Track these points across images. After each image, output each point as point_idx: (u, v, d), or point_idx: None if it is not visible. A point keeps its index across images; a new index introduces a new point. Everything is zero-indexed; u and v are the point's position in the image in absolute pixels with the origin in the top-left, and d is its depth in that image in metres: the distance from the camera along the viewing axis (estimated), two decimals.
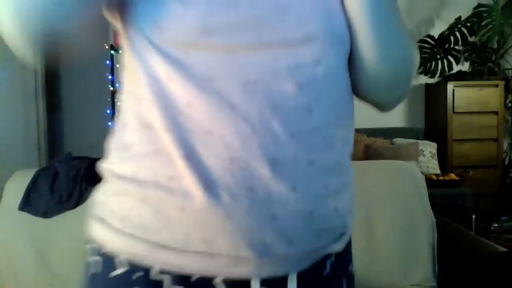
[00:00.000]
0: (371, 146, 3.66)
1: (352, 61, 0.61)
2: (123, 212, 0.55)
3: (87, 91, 3.74)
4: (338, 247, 0.60)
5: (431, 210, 1.65)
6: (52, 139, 4.42)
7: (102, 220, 0.57)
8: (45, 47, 0.51)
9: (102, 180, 0.60)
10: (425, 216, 1.62)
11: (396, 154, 3.46)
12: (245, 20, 0.52)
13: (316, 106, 0.54)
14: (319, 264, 0.59)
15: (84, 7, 0.49)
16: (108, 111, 3.42)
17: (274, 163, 0.51)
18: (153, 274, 0.54)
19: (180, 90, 0.51)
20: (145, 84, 0.53)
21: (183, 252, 0.52)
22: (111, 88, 3.35)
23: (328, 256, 0.60)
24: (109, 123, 3.36)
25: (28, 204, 1.57)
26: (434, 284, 1.57)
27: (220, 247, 0.51)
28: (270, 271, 0.54)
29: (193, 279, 0.54)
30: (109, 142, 0.60)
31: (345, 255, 0.64)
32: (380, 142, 3.74)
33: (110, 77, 3.35)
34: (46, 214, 1.56)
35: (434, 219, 1.64)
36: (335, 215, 0.58)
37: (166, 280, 0.54)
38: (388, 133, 3.89)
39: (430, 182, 3.04)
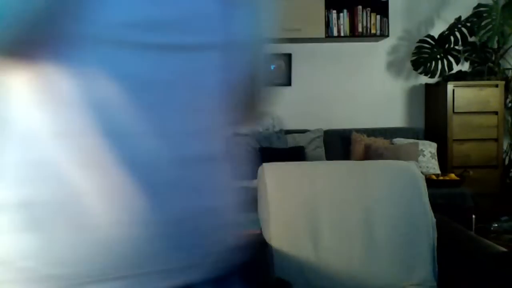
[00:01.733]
0: (371, 146, 3.66)
1: None
2: None
3: None
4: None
5: (431, 210, 1.65)
6: None
7: None
8: None
9: None
10: (425, 216, 1.62)
11: (396, 154, 3.46)
12: None
13: None
14: None
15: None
16: None
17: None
18: None
19: None
20: None
21: None
22: None
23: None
24: None
25: None
26: (434, 284, 1.57)
27: None
28: None
29: None
30: None
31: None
32: (380, 142, 3.74)
33: None
34: None
35: (434, 219, 1.64)
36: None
37: None
38: (388, 133, 3.90)
39: (430, 182, 3.04)
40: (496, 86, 3.66)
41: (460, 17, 3.82)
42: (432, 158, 3.64)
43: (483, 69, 3.79)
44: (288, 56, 4.06)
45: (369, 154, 3.60)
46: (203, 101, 0.52)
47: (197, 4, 0.49)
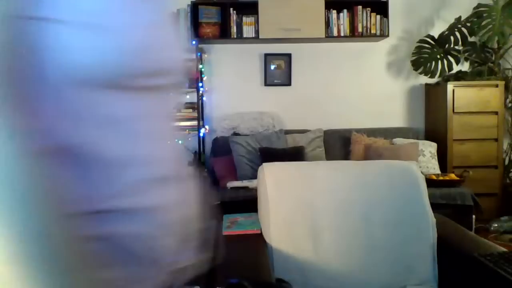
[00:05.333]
0: (371, 146, 3.66)
1: None
2: None
3: None
4: None
5: (431, 210, 1.65)
6: None
7: None
8: None
9: None
10: (425, 216, 1.62)
11: (396, 154, 3.46)
12: None
13: None
14: None
15: None
16: None
17: None
18: None
19: None
20: None
21: None
22: None
23: None
24: None
25: None
26: (434, 284, 1.57)
27: None
28: None
29: None
30: None
31: None
32: (380, 142, 3.74)
33: None
34: None
35: (434, 219, 1.64)
36: None
37: None
38: (388, 133, 3.90)
39: (430, 182, 3.04)
40: (496, 86, 3.66)
41: (460, 17, 3.82)
42: (432, 158, 3.64)
43: (483, 69, 3.79)
44: (288, 56, 4.06)
45: (369, 154, 3.60)
46: (170, 129, 0.60)
47: (172, 53, 0.57)
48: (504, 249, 1.45)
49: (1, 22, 0.37)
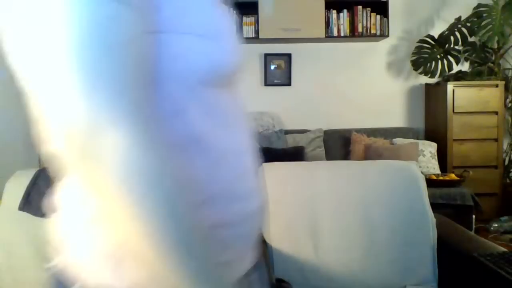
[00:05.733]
0: (371, 146, 3.66)
1: None
2: None
3: None
4: None
5: (431, 210, 1.65)
6: None
7: None
8: None
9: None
10: (425, 216, 1.62)
11: (396, 154, 3.46)
12: None
13: None
14: None
15: None
16: None
17: None
18: None
19: None
20: None
21: None
22: None
23: None
24: None
25: (28, 204, 1.57)
26: (434, 284, 1.57)
27: None
28: None
29: None
30: None
31: None
32: (380, 142, 3.74)
33: None
34: (46, 214, 1.56)
35: (434, 219, 1.64)
36: None
37: None
38: (388, 133, 3.90)
39: (430, 182, 3.04)
40: (496, 86, 3.66)
41: (460, 17, 3.82)
42: (432, 158, 3.64)
43: (483, 69, 3.79)
44: (288, 56, 4.06)
45: (369, 154, 3.60)
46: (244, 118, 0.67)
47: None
48: (504, 249, 1.45)
49: (138, 37, 0.44)
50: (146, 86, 0.46)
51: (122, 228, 0.43)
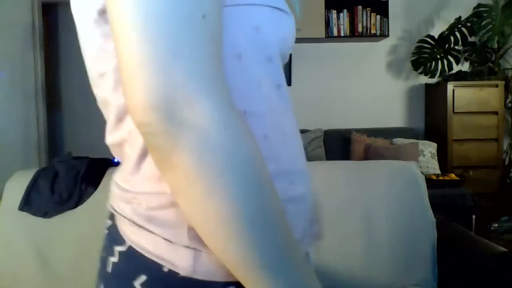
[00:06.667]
0: (371, 146, 3.66)
1: None
2: None
3: (87, 91, 3.74)
4: None
5: (431, 210, 1.65)
6: (52, 139, 4.42)
7: None
8: None
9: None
10: (425, 216, 1.62)
11: (396, 154, 3.46)
12: None
13: None
14: None
15: None
16: None
17: None
18: None
19: None
20: None
21: None
22: None
23: None
24: None
25: (28, 204, 1.57)
26: (434, 284, 1.57)
27: None
28: None
29: None
30: None
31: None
32: (380, 142, 3.74)
33: None
34: (46, 214, 1.56)
35: (434, 219, 1.64)
36: None
37: None
38: (388, 133, 3.90)
39: (430, 182, 3.04)
40: (496, 86, 3.66)
41: (460, 17, 3.82)
42: (432, 158, 3.64)
43: (483, 69, 3.79)
44: (288, 56, 4.06)
45: (369, 154, 3.60)
46: None
47: None
48: (504, 249, 1.45)
49: (217, 10, 0.43)
50: (226, 59, 0.47)
51: (199, 207, 0.41)
